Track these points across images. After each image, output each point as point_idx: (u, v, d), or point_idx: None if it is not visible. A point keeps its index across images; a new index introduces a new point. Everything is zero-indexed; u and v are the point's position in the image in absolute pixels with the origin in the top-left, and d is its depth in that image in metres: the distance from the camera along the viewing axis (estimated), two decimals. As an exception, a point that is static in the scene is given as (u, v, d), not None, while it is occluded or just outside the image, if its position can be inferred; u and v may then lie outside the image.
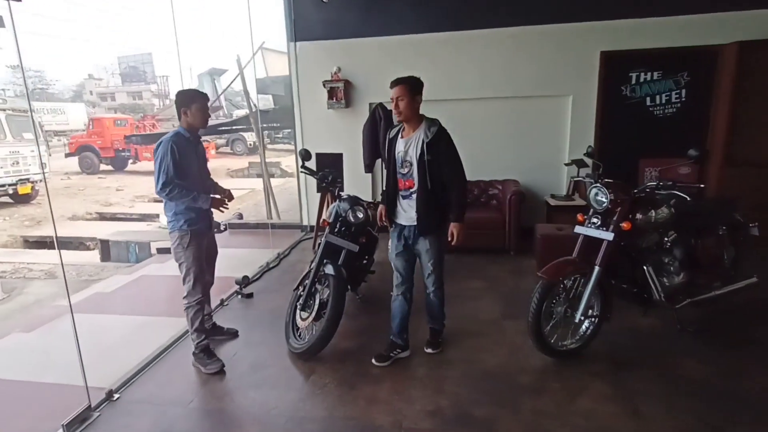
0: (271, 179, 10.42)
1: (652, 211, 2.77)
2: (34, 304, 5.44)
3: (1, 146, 11.36)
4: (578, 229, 2.82)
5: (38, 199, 12.90)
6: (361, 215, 3.12)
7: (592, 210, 2.79)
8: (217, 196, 2.90)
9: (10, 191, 11.73)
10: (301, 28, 5.50)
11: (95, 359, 3.06)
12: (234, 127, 13.10)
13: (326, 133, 5.64)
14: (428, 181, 2.57)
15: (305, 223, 6.08)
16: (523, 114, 5.30)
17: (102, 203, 12.84)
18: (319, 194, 5.25)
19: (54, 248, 9.13)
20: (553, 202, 4.82)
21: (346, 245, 3.09)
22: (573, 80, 5.05)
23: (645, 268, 2.83)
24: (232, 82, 6.13)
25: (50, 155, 14.28)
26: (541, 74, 5.10)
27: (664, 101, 4.90)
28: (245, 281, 4.06)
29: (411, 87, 2.56)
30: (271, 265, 4.74)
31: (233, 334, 3.25)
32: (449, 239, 2.68)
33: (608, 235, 2.63)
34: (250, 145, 19.58)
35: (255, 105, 6.52)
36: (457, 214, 2.65)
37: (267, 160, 12.20)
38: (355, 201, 3.16)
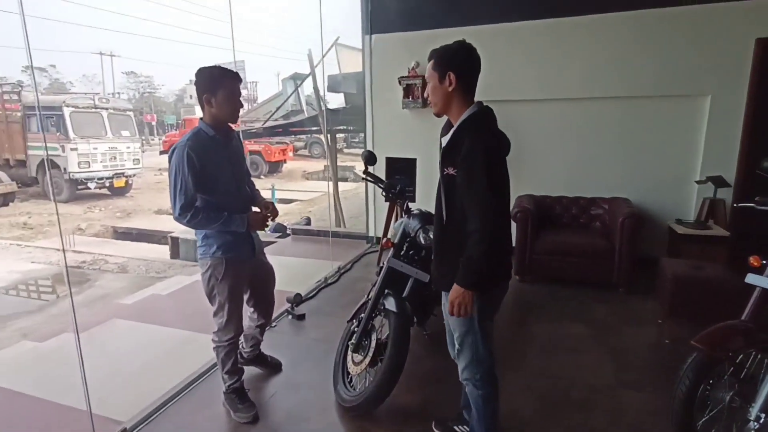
0: (344, 183, 10.12)
1: None
2: (100, 299, 5.44)
3: (102, 142, 12.26)
4: (753, 279, 1.92)
5: (132, 192, 13.83)
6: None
7: (779, 252, 1.89)
8: (257, 210, 2.29)
9: (107, 184, 12.65)
10: (377, 19, 4.97)
11: (125, 381, 2.75)
12: (312, 128, 13.02)
13: (400, 135, 5.05)
14: (443, 206, 1.70)
15: (371, 234, 5.53)
16: (640, 118, 4.31)
17: (185, 199, 13.42)
18: (387, 203, 4.68)
19: (137, 241, 9.54)
20: (681, 229, 3.78)
21: (414, 273, 2.44)
22: (713, 76, 3.97)
23: None
24: (304, 80, 5.78)
25: (143, 152, 15.27)
26: (667, 69, 4.09)
27: None
28: (297, 300, 3.57)
29: (435, 63, 1.68)
30: (329, 281, 4.23)
31: (276, 367, 2.72)
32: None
33: (814, 295, 1.72)
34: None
35: (325, 104, 6.14)
36: (460, 271, 1.60)
37: (341, 163, 11.96)
38: (427, 218, 2.50)
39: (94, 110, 12.25)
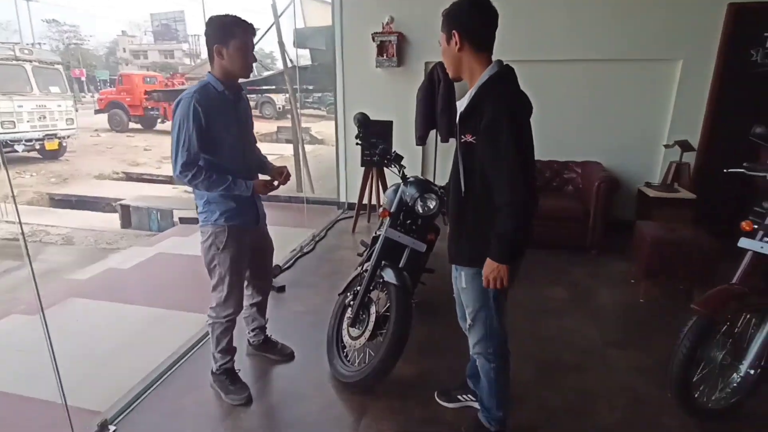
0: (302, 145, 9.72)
1: None
2: (46, 275, 4.97)
3: (27, 100, 10.96)
4: (746, 243, 1.98)
5: (66, 155, 12.64)
6: (433, 205, 2.36)
7: (772, 217, 1.95)
8: (266, 178, 2.10)
9: (38, 146, 11.45)
10: (349, -31, 4.60)
11: (96, 366, 2.52)
12: (264, 87, 12.26)
13: (373, 96, 4.82)
14: (462, 177, 1.59)
15: (342, 199, 5.35)
16: (614, 82, 4.34)
17: (129, 162, 12.49)
18: (362, 168, 4.52)
19: (77, 209, 8.77)
20: (651, 193, 3.92)
21: (412, 243, 2.35)
22: (686, 41, 4.04)
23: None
24: (266, 32, 5.33)
25: (77, 111, 13.87)
26: (641, 33, 4.10)
27: (806, 71, 3.86)
28: (276, 271, 3.41)
29: (442, 23, 1.57)
30: (305, 250, 4.07)
31: (288, 356, 2.49)
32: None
33: (808, 258, 1.80)
34: (279, 108, 18.88)
35: (291, 60, 5.72)
36: (494, 246, 1.51)
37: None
38: (426, 186, 2.39)
39: (15, 62, 10.84)
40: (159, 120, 17.39)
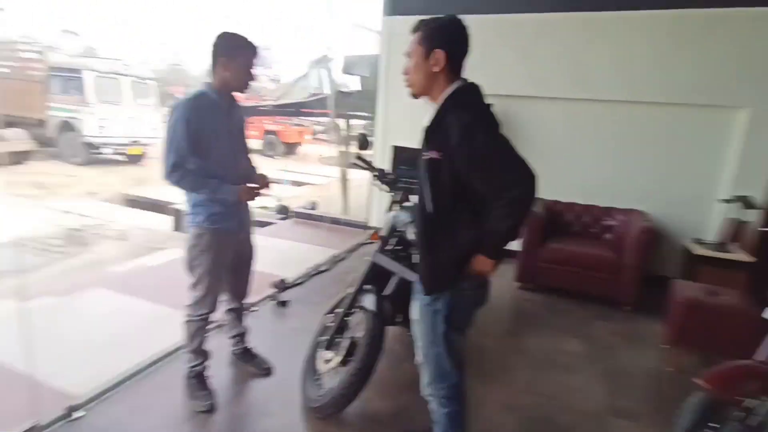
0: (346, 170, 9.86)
1: None
2: (92, 265, 5.39)
3: (123, 109, 12.39)
4: (775, 314, 1.69)
5: (146, 160, 13.90)
6: (424, 232, 2.26)
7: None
8: (250, 185, 2.15)
9: (126, 151, 12.77)
10: (401, 1, 4.73)
11: (92, 352, 2.64)
12: (315, 110, 12.81)
13: (411, 124, 4.74)
14: (429, 195, 1.45)
15: (371, 224, 5.34)
16: (666, 127, 4.01)
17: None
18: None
19: (147, 210, 9.52)
20: (699, 250, 3.51)
21: (400, 271, 2.25)
22: (753, 87, 3.66)
23: None
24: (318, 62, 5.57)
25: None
26: (704, 76, 3.78)
27: None
28: (282, 285, 3.42)
29: (424, 36, 1.44)
30: (321, 268, 4.07)
31: (265, 371, 2.44)
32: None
33: None
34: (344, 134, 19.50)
35: (336, 86, 5.92)
36: (488, 243, 1.42)
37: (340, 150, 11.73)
38: (419, 212, 2.30)
39: (113, 76, 12.37)
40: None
